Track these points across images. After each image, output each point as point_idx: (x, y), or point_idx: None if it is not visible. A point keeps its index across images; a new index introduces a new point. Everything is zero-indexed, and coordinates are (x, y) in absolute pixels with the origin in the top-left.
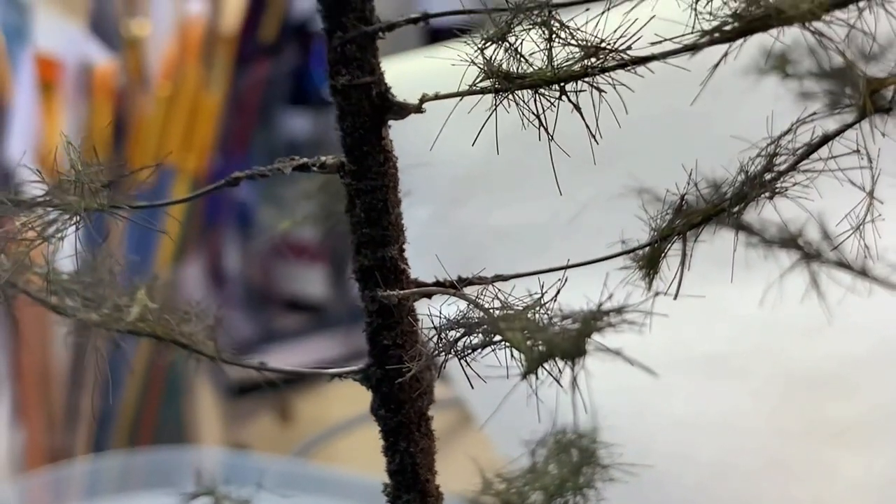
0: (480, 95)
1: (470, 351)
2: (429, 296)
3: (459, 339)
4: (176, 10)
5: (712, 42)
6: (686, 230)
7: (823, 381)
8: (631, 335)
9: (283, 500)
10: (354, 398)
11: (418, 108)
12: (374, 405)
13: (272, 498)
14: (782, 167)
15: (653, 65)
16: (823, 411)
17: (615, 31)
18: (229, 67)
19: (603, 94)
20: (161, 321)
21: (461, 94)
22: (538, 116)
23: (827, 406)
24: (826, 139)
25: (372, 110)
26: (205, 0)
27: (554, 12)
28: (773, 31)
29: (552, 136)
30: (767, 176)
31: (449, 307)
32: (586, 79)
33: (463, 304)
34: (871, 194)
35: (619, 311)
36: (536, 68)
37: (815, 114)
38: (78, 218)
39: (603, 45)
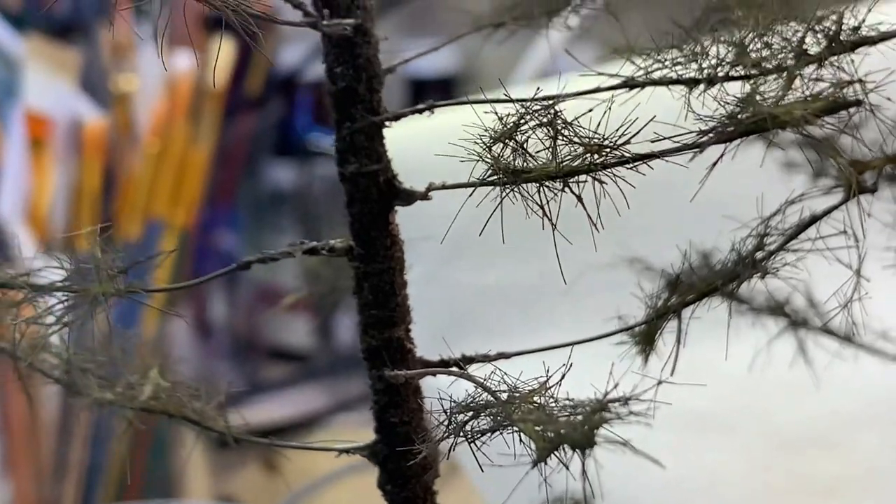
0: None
1: (479, 434)
2: (434, 374)
3: (468, 421)
4: (164, 65)
5: (711, 142)
6: (681, 308)
7: (811, 439)
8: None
9: None
10: None
11: (425, 196)
12: (381, 480)
13: None
14: (772, 247)
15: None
16: (811, 469)
17: (617, 130)
18: (216, 122)
19: (604, 185)
20: (172, 399)
21: (469, 185)
22: (542, 207)
23: (814, 464)
24: (814, 219)
25: (380, 196)
26: (192, 55)
27: (559, 112)
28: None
29: (556, 226)
30: (758, 255)
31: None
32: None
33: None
34: (857, 272)
35: (625, 401)
36: (541, 163)
37: (803, 195)
38: (96, 303)
39: (605, 143)
